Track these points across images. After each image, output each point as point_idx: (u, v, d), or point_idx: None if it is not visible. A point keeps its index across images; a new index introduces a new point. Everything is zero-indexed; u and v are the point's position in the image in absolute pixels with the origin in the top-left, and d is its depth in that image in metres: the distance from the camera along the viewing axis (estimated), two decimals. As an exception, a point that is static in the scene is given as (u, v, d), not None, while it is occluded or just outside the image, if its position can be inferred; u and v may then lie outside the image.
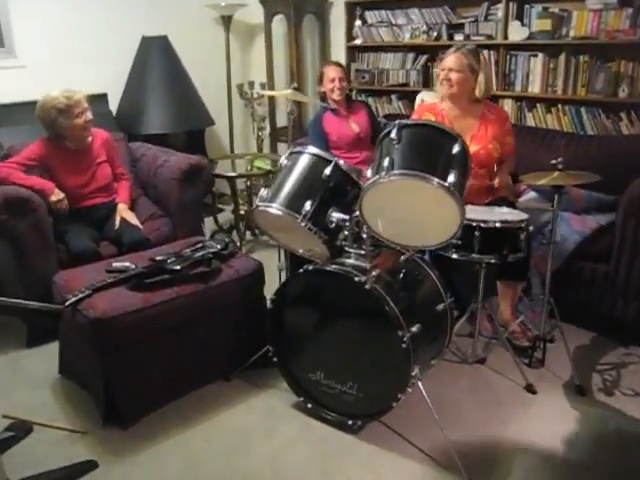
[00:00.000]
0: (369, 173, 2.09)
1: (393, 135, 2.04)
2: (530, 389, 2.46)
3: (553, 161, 2.42)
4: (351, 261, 2.23)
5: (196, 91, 4.47)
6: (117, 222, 3.04)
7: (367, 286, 2.05)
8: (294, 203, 2.20)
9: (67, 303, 2.21)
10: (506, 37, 3.76)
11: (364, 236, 2.22)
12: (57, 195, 2.89)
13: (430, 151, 2.05)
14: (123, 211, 3.10)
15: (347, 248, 2.26)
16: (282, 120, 4.88)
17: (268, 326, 2.35)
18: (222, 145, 4.93)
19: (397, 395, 2.08)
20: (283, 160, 2.35)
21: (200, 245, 2.62)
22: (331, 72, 3.53)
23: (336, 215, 2.22)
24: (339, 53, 4.60)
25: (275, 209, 2.21)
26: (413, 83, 4.25)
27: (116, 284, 2.31)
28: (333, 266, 2.18)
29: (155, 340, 2.30)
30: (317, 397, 2.31)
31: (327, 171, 2.21)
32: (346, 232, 2.23)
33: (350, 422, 2.23)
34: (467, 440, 2.17)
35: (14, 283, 2.85)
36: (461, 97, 2.77)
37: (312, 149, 2.34)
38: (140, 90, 4.27)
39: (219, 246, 2.61)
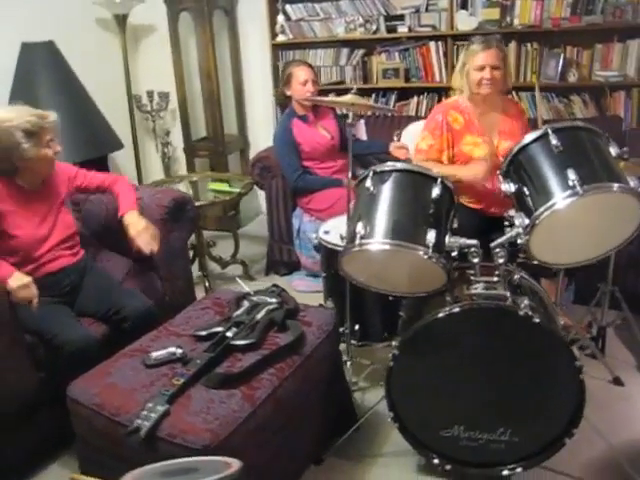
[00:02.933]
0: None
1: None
2: (618, 382, 2.38)
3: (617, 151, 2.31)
4: (484, 291, 1.89)
5: (96, 107, 3.66)
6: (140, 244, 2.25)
7: (536, 319, 1.75)
8: (412, 234, 1.82)
9: (143, 432, 1.53)
10: (452, 27, 3.63)
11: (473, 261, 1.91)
12: (19, 279, 1.98)
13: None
14: (136, 224, 2.26)
15: (473, 277, 1.93)
16: (199, 132, 4.26)
17: (388, 387, 1.92)
18: (127, 171, 4.13)
19: (571, 430, 1.83)
20: (369, 184, 1.93)
21: (251, 302, 2.07)
22: (302, 74, 3.10)
23: (461, 241, 1.88)
24: (257, 52, 4.11)
25: (391, 245, 1.81)
26: (350, 80, 3.94)
27: (188, 385, 1.69)
28: (482, 301, 1.83)
29: (264, 447, 1.73)
30: (455, 455, 1.95)
31: (436, 191, 1.86)
32: (475, 259, 1.89)
33: (506, 472, 1.92)
34: None
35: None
36: (494, 94, 2.54)
37: (407, 166, 1.97)
38: (29, 111, 3.35)
39: (274, 299, 2.09)
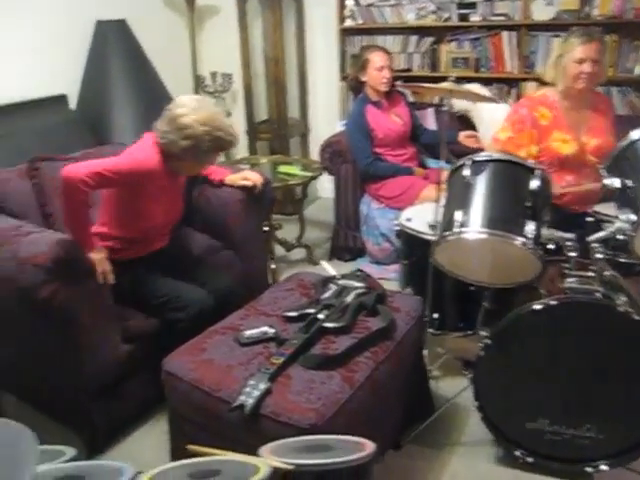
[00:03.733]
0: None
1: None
2: None
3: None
4: (579, 286, 1.87)
5: (164, 87, 3.69)
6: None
7: (636, 316, 1.73)
8: (512, 225, 1.81)
9: (248, 408, 1.55)
10: (527, 17, 3.57)
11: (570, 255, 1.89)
12: (98, 252, 2.01)
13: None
14: (237, 176, 2.47)
15: (567, 271, 1.91)
16: (260, 114, 4.28)
17: (476, 376, 1.92)
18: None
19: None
20: (466, 172, 1.91)
21: (337, 286, 2.08)
22: (379, 59, 3.07)
23: (558, 234, 1.86)
24: (323, 36, 4.09)
25: (489, 234, 1.80)
26: (417, 67, 3.90)
27: (287, 364, 1.71)
28: (580, 296, 1.81)
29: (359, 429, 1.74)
30: (538, 448, 1.94)
31: (536, 183, 1.84)
32: (573, 253, 1.87)
33: (589, 469, 1.90)
34: None
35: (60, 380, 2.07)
36: (588, 89, 2.46)
37: (506, 156, 1.95)
38: (102, 90, 3.39)
39: (361, 283, 2.10)
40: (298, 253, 3.48)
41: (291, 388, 1.62)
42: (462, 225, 1.84)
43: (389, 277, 3.03)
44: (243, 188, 2.45)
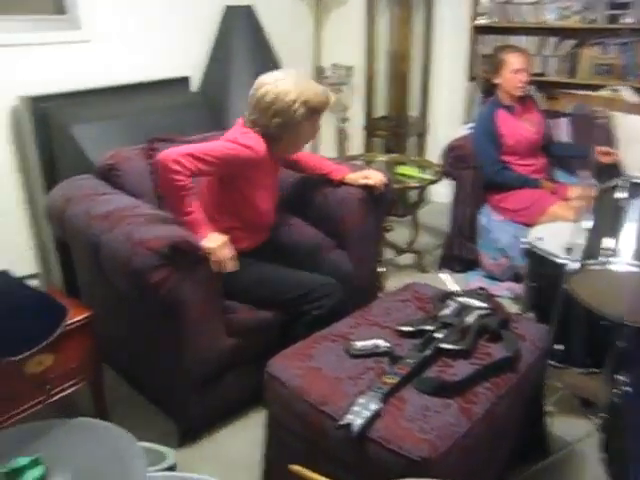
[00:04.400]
0: None
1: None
2: None
3: None
4: None
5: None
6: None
7: None
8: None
9: (356, 429, 1.42)
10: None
11: None
12: (216, 239, 1.89)
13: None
14: (358, 175, 2.35)
15: None
16: (378, 110, 4.15)
17: (606, 425, 1.71)
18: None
19: None
20: (620, 195, 1.69)
21: (458, 303, 1.92)
22: (516, 61, 2.86)
23: None
24: (452, 33, 3.89)
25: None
26: (553, 72, 3.61)
27: (400, 385, 1.57)
28: None
29: (470, 466, 1.59)
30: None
31: None
32: None
33: None
34: None
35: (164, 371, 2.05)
36: None
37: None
38: (224, 74, 3.38)
39: (484, 304, 1.92)
40: (407, 258, 3.33)
41: (404, 413, 1.49)
42: (610, 255, 1.63)
43: (501, 294, 2.83)
44: (364, 187, 2.33)
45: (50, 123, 2.65)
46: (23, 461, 0.88)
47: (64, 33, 2.91)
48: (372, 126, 4.05)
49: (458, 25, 3.83)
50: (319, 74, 4.06)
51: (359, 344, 1.74)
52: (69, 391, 1.99)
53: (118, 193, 2.17)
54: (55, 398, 1.95)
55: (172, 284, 1.79)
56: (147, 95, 3.00)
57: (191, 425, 2.06)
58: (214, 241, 1.90)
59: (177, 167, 1.83)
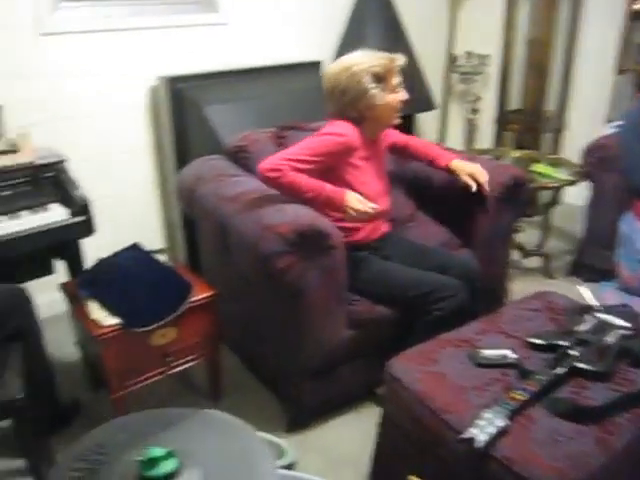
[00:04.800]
0: None
1: None
2: None
3: None
4: None
5: (417, 63, 3.52)
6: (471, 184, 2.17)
7: None
8: None
9: (479, 445, 1.32)
10: None
11: None
12: (352, 198, 1.89)
13: None
14: (465, 165, 2.20)
15: None
16: (511, 103, 3.92)
17: None
18: (427, 134, 3.99)
19: None
20: None
21: (596, 319, 1.75)
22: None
23: None
24: (604, 20, 3.56)
25: None
26: None
27: (529, 403, 1.45)
28: None
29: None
30: None
31: None
32: None
33: None
34: None
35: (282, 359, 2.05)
36: None
37: None
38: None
39: (627, 323, 1.74)
40: (533, 261, 3.13)
41: (532, 434, 1.38)
42: None
43: (638, 311, 2.57)
44: (464, 185, 2.19)
45: (185, 103, 2.74)
46: (158, 452, 0.88)
47: (202, 16, 2.99)
48: (504, 119, 3.83)
49: (611, 10, 3.49)
50: (451, 62, 3.90)
51: (486, 352, 1.64)
52: (187, 365, 2.05)
53: (247, 175, 2.18)
54: (174, 371, 2.02)
55: (298, 271, 1.77)
56: (279, 78, 3.01)
57: (301, 413, 2.06)
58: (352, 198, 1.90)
59: (277, 174, 1.86)
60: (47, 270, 2.33)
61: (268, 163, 1.88)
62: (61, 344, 2.38)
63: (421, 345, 1.71)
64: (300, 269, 1.78)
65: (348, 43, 3.37)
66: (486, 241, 2.28)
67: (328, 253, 1.82)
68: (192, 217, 2.36)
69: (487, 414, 1.40)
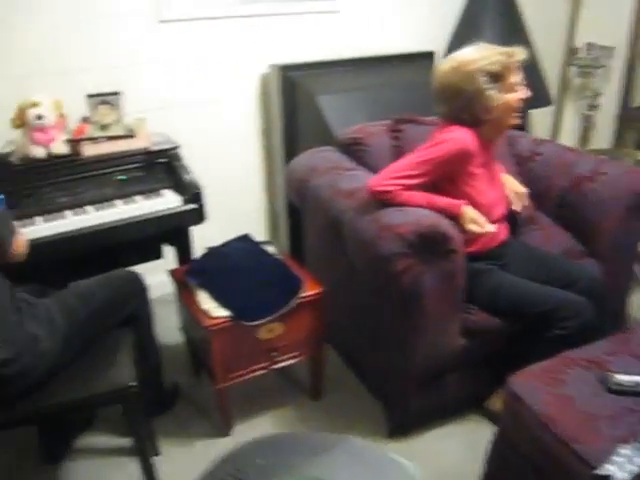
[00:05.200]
0: None
1: None
2: None
3: None
4: None
5: (535, 56, 3.30)
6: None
7: None
8: None
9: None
10: None
11: None
12: (469, 211, 1.78)
13: None
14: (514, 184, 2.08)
15: None
16: (635, 99, 3.63)
17: None
18: (538, 132, 3.76)
19: None
20: None
21: None
22: None
23: None
24: None
25: None
26: None
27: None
28: None
29: None
30: None
31: None
32: None
33: None
34: None
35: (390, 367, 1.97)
36: None
37: None
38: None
39: None
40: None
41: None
42: None
43: None
44: None
45: (296, 92, 2.70)
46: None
47: (315, 3, 2.93)
48: (628, 116, 3.54)
49: None
50: (571, 55, 3.65)
51: (619, 378, 1.49)
52: (291, 362, 2.02)
53: (362, 169, 2.11)
54: (278, 366, 2.00)
55: (416, 274, 1.69)
56: (391, 69, 2.92)
57: (405, 420, 1.98)
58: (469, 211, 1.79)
59: (387, 196, 1.77)
60: (156, 255, 2.37)
61: (378, 183, 1.78)
62: (164, 327, 2.42)
63: (545, 363, 1.58)
64: (418, 272, 1.70)
65: (462, 34, 3.21)
66: (612, 251, 2.11)
67: (448, 257, 1.72)
68: (300, 208, 2.32)
69: (625, 450, 1.28)
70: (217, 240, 2.15)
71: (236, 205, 2.95)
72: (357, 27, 3.02)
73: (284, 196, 2.86)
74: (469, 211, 1.78)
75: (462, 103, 1.82)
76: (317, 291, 1.94)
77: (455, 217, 1.77)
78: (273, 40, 2.85)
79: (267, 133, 2.94)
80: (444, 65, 1.87)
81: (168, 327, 2.39)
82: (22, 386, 1.45)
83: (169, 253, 2.41)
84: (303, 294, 1.90)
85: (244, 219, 2.95)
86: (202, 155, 2.68)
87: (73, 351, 1.57)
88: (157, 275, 2.32)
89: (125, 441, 1.99)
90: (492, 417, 1.99)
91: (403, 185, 1.77)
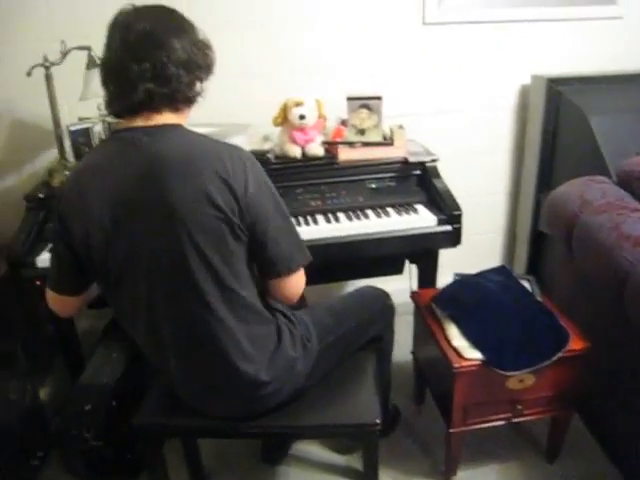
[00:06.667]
0: None
1: None
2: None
3: None
4: None
5: None
6: None
7: None
8: None
9: None
10: None
11: None
12: None
13: None
14: None
15: None
16: None
17: None
18: None
19: None
20: None
21: None
22: None
23: None
24: None
25: None
26: None
27: None
28: None
29: None
30: None
31: None
32: None
33: None
34: None
35: None
36: None
37: None
38: None
39: None
40: None
41: None
42: None
43: None
44: None
45: (564, 108, 2.41)
46: None
47: (596, 8, 2.60)
48: None
49: None
50: None
51: None
52: (532, 417, 1.79)
53: (654, 213, 1.78)
54: (520, 419, 1.78)
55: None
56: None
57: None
58: None
59: None
60: (398, 270, 2.27)
61: None
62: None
63: None
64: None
65: None
66: None
67: None
68: (557, 240, 2.05)
69: None
70: (442, 257, 2.01)
71: (472, 223, 2.74)
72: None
73: (530, 222, 2.59)
74: None
75: None
76: (583, 346, 1.68)
77: None
78: (539, 48, 2.58)
79: (519, 152, 2.69)
80: None
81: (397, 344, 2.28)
82: (273, 405, 1.42)
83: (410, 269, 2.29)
84: (568, 348, 1.65)
85: (476, 238, 2.74)
86: (448, 165, 2.52)
87: (321, 373, 1.51)
88: (388, 284, 2.21)
89: (338, 458, 1.96)
90: None
91: None
